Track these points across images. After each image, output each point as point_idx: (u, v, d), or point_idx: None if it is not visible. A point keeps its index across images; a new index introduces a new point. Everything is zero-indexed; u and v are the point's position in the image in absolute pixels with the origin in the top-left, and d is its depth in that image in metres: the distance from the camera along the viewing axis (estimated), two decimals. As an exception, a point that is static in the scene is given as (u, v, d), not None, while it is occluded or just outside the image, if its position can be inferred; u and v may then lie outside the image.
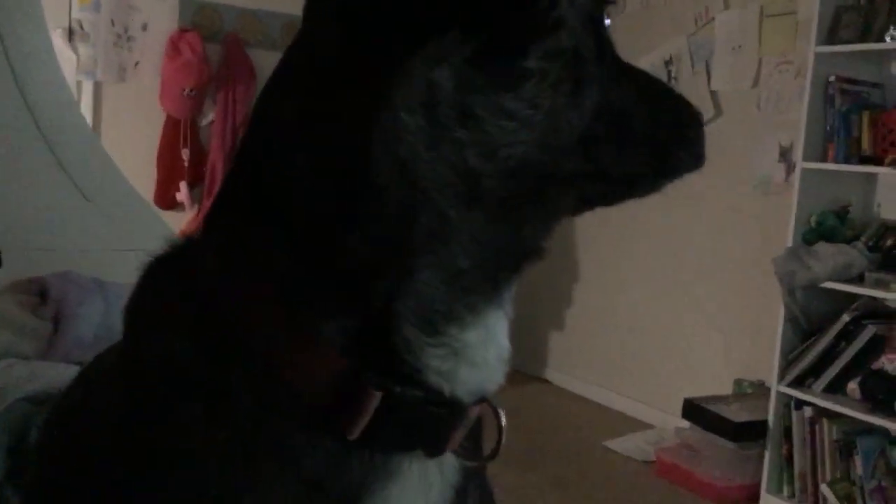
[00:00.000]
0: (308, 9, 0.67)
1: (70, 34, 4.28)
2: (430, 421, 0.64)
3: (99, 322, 1.66)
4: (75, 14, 4.29)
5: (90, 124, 4.25)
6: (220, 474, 0.61)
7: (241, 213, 0.67)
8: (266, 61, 4.39)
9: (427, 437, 0.65)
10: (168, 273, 0.71)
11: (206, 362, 0.63)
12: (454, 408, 0.65)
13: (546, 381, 4.64)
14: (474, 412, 0.67)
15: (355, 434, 0.61)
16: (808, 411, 3.09)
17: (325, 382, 0.61)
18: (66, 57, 4.14)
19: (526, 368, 4.65)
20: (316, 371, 0.61)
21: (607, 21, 0.69)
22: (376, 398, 0.61)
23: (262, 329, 0.63)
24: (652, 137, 0.72)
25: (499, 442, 0.70)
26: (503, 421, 0.70)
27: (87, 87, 4.37)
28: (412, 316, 0.61)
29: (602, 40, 0.68)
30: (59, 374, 1.54)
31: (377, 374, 0.62)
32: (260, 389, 0.62)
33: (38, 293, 1.69)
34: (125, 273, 2.10)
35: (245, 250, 0.65)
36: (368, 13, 0.61)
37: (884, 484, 2.89)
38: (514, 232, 0.65)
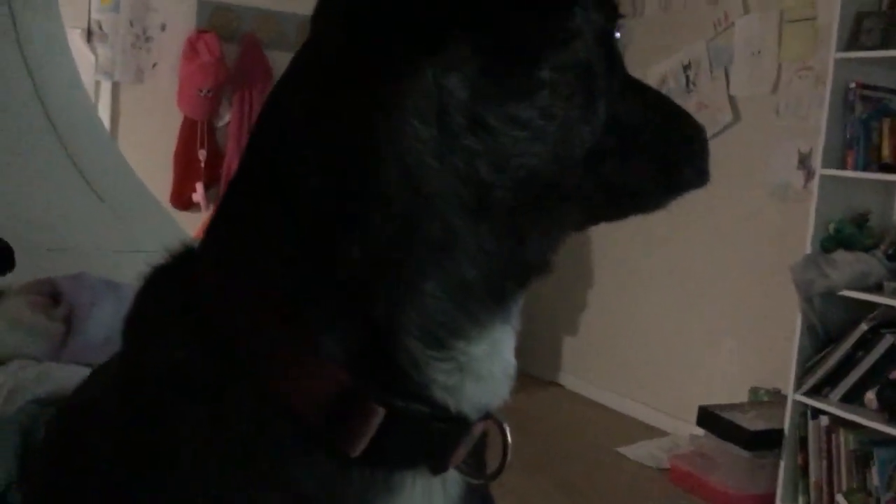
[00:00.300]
0: (319, 6, 0.67)
1: (89, 35, 4.30)
2: (434, 437, 0.63)
3: (111, 324, 1.66)
4: (94, 15, 4.31)
5: (108, 125, 4.26)
6: (219, 479, 0.61)
7: (246, 215, 0.66)
8: (283, 62, 4.37)
9: (431, 453, 0.63)
10: (170, 282, 0.70)
11: (210, 370, 0.63)
12: (459, 424, 0.63)
13: (559, 386, 4.62)
14: (479, 428, 0.66)
15: (357, 451, 0.60)
16: (824, 420, 3.06)
17: (324, 396, 0.60)
18: (84, 57, 4.16)
19: (539, 373, 4.63)
20: (314, 383, 0.60)
21: (618, 35, 0.69)
22: (380, 415, 0.60)
23: (260, 338, 0.62)
24: (657, 153, 0.71)
25: (504, 459, 0.69)
26: (509, 438, 0.68)
27: (106, 88, 4.39)
28: (416, 329, 0.60)
29: (613, 54, 0.68)
30: (71, 376, 1.54)
31: (380, 389, 0.60)
32: (259, 401, 0.61)
33: (51, 294, 1.70)
34: (138, 274, 2.10)
35: (246, 253, 0.65)
36: (369, 12, 0.60)
37: (901, 495, 2.86)
38: (520, 244, 0.63)
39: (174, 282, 0.69)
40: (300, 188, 0.62)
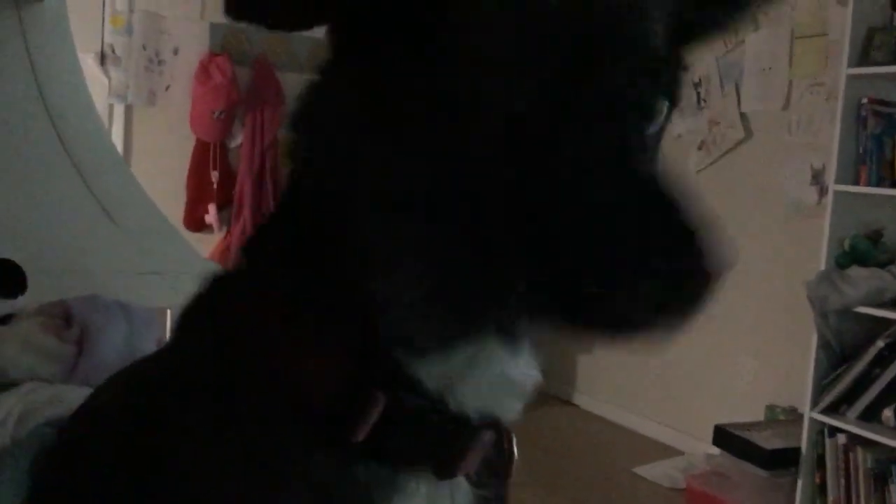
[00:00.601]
0: None
1: (102, 58, 4.34)
2: (435, 433, 0.62)
3: (122, 345, 1.67)
4: (108, 38, 4.35)
5: (121, 147, 4.29)
6: (218, 479, 0.60)
7: (266, 223, 0.68)
8: (295, 84, 4.42)
9: (434, 450, 0.62)
10: (204, 296, 0.71)
11: (210, 370, 0.63)
12: (461, 423, 0.62)
13: (574, 405, 4.60)
14: (488, 436, 0.64)
15: (359, 436, 0.59)
16: (841, 439, 3.04)
17: (320, 393, 0.60)
18: (98, 81, 4.20)
19: (554, 392, 4.61)
20: (312, 381, 0.60)
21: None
22: (381, 401, 0.59)
23: (258, 337, 0.62)
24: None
25: (508, 463, 0.67)
26: (513, 442, 0.67)
27: (119, 111, 4.42)
28: (398, 332, 0.60)
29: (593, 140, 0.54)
30: (82, 398, 1.54)
31: (381, 381, 0.60)
32: (258, 399, 0.61)
33: (63, 316, 1.70)
34: (150, 296, 2.12)
35: (253, 255, 0.66)
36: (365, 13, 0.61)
37: (920, 514, 2.82)
38: (447, 286, 0.59)
39: (208, 296, 0.70)
40: (300, 189, 0.63)
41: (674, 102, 0.59)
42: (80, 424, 0.79)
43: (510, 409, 0.65)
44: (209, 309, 0.67)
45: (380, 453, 0.61)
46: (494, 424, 0.65)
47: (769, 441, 3.22)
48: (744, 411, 3.63)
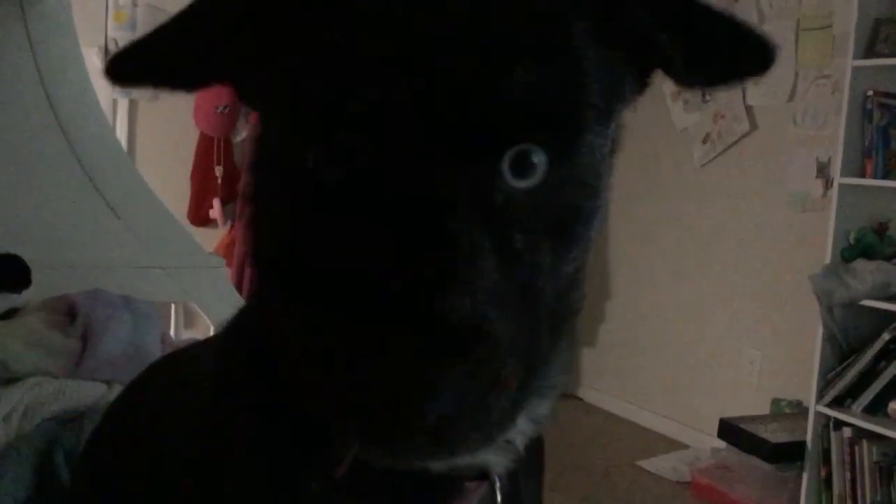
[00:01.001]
0: None
1: (106, 53, 4.33)
2: (413, 478, 0.58)
3: (127, 340, 1.67)
4: (111, 33, 4.34)
5: (125, 142, 4.30)
6: (214, 489, 0.60)
7: None
8: (298, 78, 4.40)
9: (412, 497, 0.59)
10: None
11: (215, 366, 0.63)
12: (427, 474, 0.58)
13: (578, 399, 4.60)
14: (474, 488, 0.61)
15: (339, 473, 0.58)
16: (847, 432, 3.03)
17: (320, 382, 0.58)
18: (101, 75, 4.20)
19: (558, 386, 4.60)
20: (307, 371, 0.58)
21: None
22: (349, 455, 0.57)
23: (261, 328, 0.61)
24: None
25: None
26: (499, 497, 0.63)
27: (123, 105, 4.42)
28: None
29: None
30: (87, 392, 1.55)
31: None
32: (264, 392, 0.60)
33: (67, 311, 1.70)
34: (154, 290, 2.11)
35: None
36: None
37: (926, 508, 2.82)
38: None
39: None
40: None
41: (567, 155, 0.51)
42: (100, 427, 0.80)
43: (495, 464, 0.62)
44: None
45: (362, 491, 0.59)
46: (483, 477, 0.61)
47: (774, 434, 3.21)
48: (749, 405, 3.63)
